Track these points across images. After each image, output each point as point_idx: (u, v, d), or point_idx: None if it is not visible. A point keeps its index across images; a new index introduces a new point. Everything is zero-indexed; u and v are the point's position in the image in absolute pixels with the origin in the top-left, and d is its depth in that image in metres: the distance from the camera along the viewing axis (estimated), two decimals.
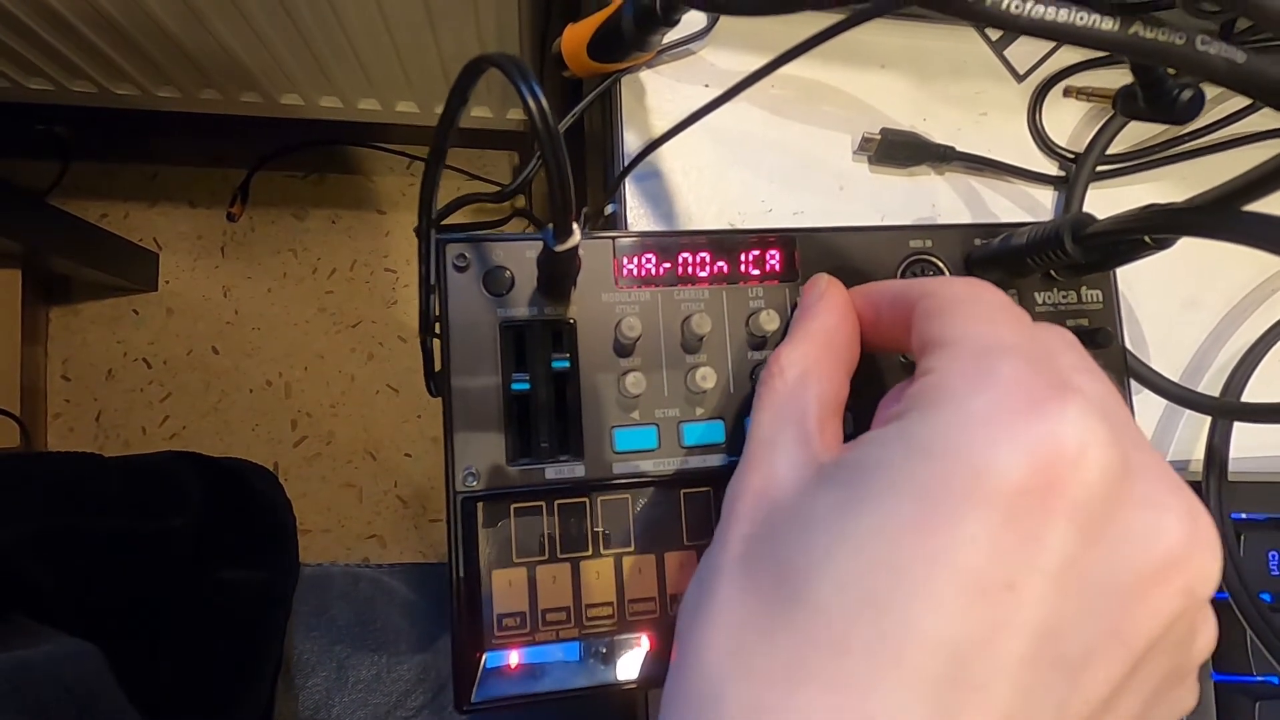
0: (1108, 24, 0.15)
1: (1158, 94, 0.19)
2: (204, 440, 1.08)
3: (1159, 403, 0.32)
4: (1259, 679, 0.28)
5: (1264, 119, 0.32)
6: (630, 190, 0.30)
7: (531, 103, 0.17)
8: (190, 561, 0.44)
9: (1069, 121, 0.33)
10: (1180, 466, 0.32)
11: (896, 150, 0.30)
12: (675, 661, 0.17)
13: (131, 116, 0.86)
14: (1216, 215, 0.19)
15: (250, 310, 1.10)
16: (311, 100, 0.80)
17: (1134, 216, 0.20)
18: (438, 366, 0.28)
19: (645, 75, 0.30)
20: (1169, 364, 0.32)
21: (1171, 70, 0.19)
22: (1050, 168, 0.33)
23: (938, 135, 0.32)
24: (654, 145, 0.26)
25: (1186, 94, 0.19)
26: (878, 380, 0.26)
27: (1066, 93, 0.30)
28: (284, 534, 0.51)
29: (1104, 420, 0.13)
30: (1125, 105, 0.20)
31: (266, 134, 1.03)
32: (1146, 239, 0.22)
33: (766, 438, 0.19)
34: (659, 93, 0.30)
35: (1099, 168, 0.32)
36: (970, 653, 0.12)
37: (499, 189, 0.31)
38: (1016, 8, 0.15)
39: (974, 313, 0.16)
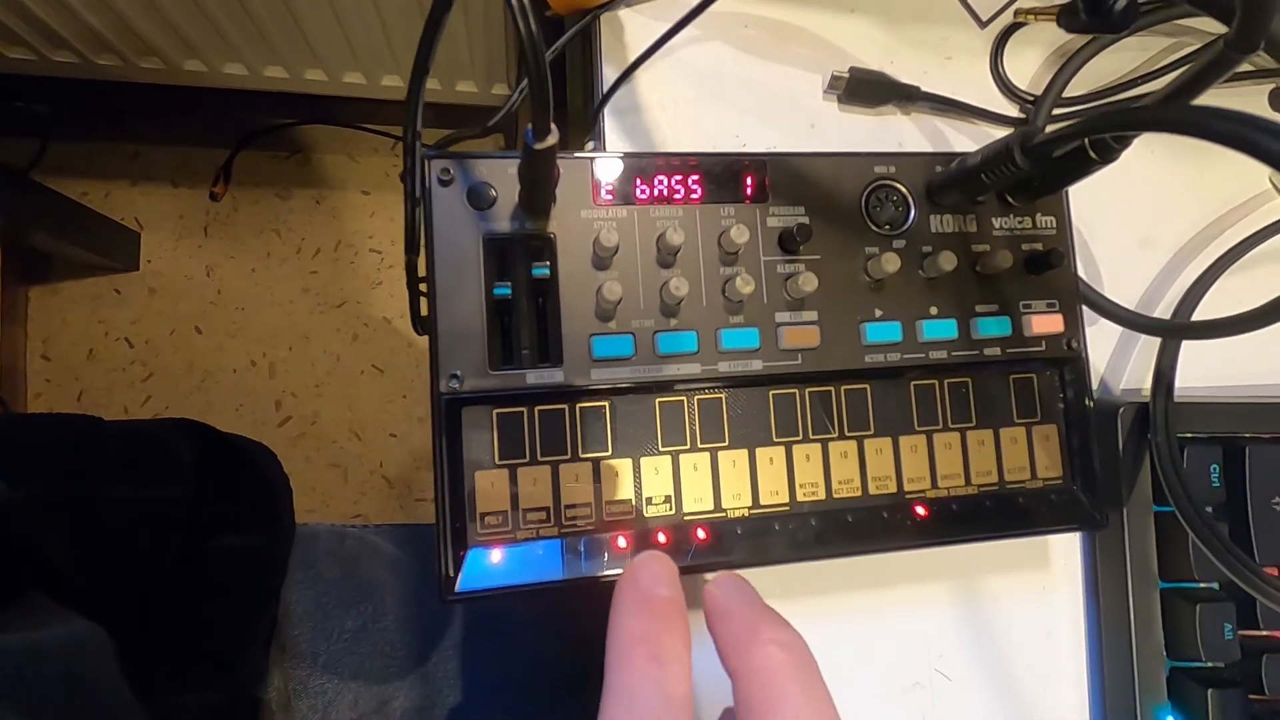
0: None
1: (1095, 4, 0.20)
2: None
3: (1113, 335, 0.34)
4: (1200, 585, 0.30)
5: None
6: (609, 125, 0.31)
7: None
8: (188, 530, 0.45)
9: (1029, 66, 0.35)
10: (1133, 393, 0.34)
11: (864, 89, 0.32)
12: None
13: (113, 94, 0.85)
14: (1168, 109, 0.20)
15: (234, 290, 1.10)
16: (296, 73, 0.80)
17: (1082, 120, 0.22)
18: (423, 307, 0.29)
19: (624, 13, 0.31)
20: (1123, 298, 0.34)
21: None
22: (1011, 110, 0.34)
23: (904, 78, 0.33)
24: (629, 70, 0.28)
25: (1121, 3, 0.20)
26: (848, 305, 0.27)
27: (1016, 13, 0.31)
28: (279, 501, 0.51)
29: None
30: (1067, 20, 0.21)
31: (250, 113, 1.03)
32: (1091, 152, 0.23)
33: None
34: (636, 31, 0.31)
35: (1056, 110, 0.33)
36: None
37: (484, 125, 0.32)
38: None
39: None
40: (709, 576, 0.22)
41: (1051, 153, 0.23)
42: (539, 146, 0.21)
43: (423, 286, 0.27)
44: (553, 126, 0.21)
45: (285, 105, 0.96)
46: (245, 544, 0.48)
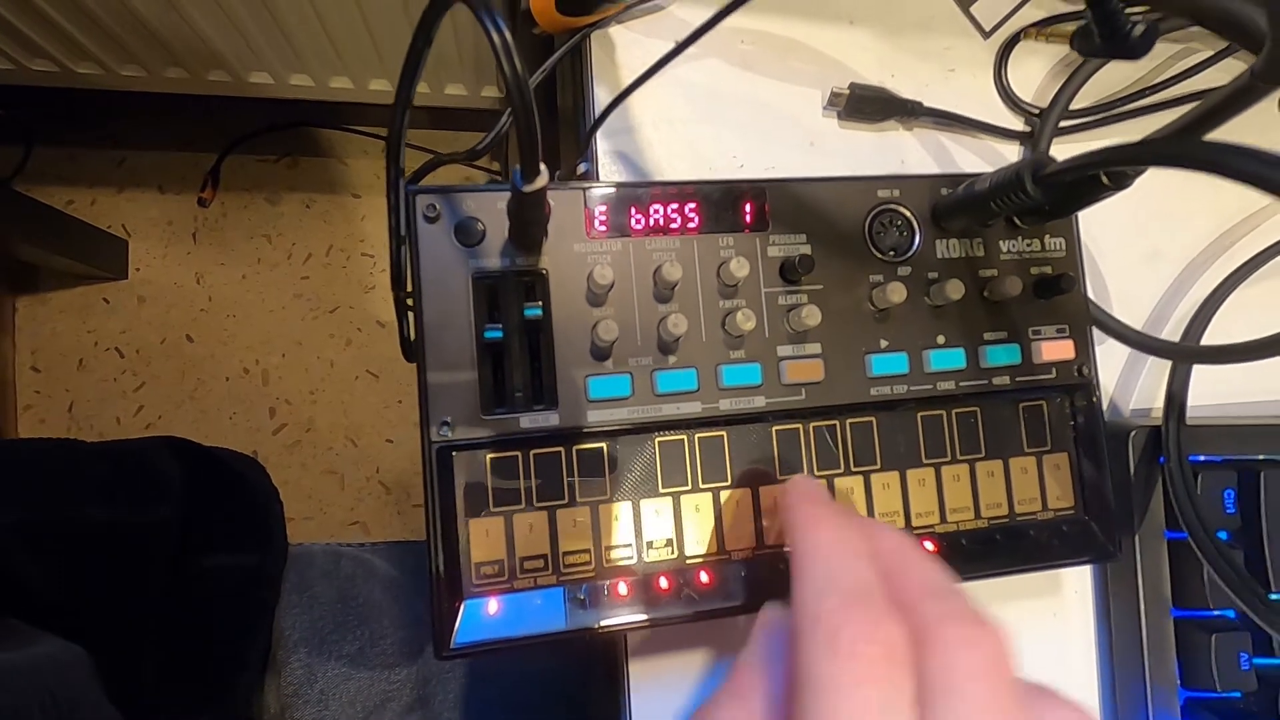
0: None
1: (1112, 29, 0.19)
2: (180, 429, 1.06)
3: (1122, 351, 0.33)
4: (1216, 613, 0.29)
5: (1219, 74, 0.33)
6: (602, 148, 0.30)
7: (495, 36, 0.17)
8: (177, 551, 0.44)
9: (1034, 77, 0.34)
10: (1142, 414, 0.33)
11: (865, 105, 0.31)
12: None
13: (97, 99, 0.84)
14: (1180, 144, 0.19)
15: (224, 297, 1.09)
16: (281, 79, 0.79)
17: (1094, 153, 0.21)
18: (412, 334, 0.28)
19: (615, 31, 0.30)
20: (1132, 315, 0.33)
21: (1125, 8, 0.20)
22: (1016, 123, 0.33)
23: (906, 91, 0.32)
24: (622, 96, 0.26)
25: (1139, 29, 0.19)
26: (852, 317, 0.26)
27: (1026, 34, 0.30)
28: (270, 518, 0.51)
29: None
30: (1082, 43, 0.20)
31: (237, 117, 1.02)
32: (1104, 179, 0.22)
33: None
34: (628, 48, 0.30)
35: (1063, 123, 0.32)
36: None
37: (470, 149, 0.31)
38: None
39: (835, 700, 0.15)
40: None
41: (1064, 182, 0.22)
42: (528, 189, 0.20)
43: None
44: (542, 167, 0.20)
45: (273, 108, 0.94)
46: (236, 564, 0.47)
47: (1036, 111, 0.33)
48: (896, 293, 0.26)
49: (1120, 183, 0.22)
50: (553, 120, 0.38)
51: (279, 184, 1.10)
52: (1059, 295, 0.27)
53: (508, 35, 0.17)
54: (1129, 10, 0.19)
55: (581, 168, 0.31)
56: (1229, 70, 0.33)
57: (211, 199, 1.08)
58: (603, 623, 0.24)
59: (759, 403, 0.25)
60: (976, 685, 0.15)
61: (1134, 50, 0.19)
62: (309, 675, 0.48)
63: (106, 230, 1.04)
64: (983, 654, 0.16)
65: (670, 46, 0.29)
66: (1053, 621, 0.31)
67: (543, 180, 0.20)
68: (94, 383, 1.05)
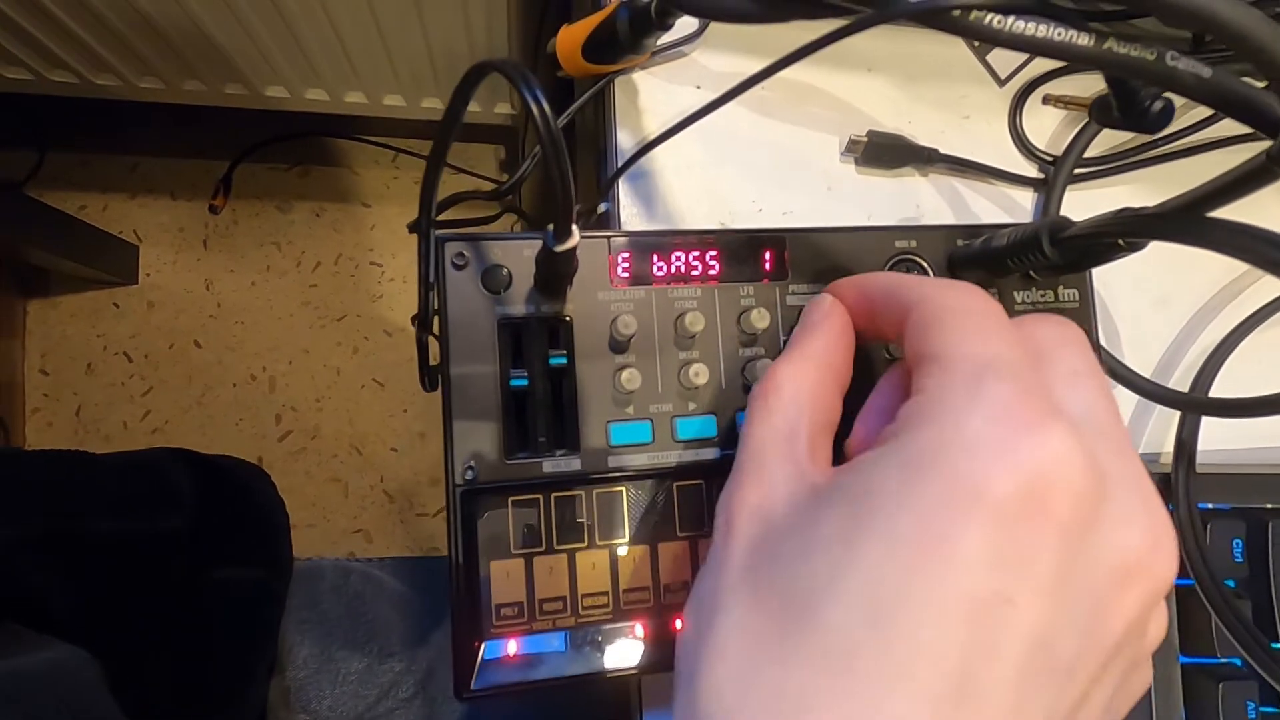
0: (1083, 39, 0.16)
1: (1130, 104, 0.20)
2: (186, 435, 1.07)
3: (1132, 397, 0.33)
4: (1223, 660, 0.30)
5: (1232, 125, 0.33)
6: (622, 189, 0.30)
7: (535, 109, 0.17)
8: (186, 562, 0.44)
9: (1048, 125, 0.34)
10: (1151, 459, 0.33)
11: (882, 152, 0.31)
12: (682, 685, 0.17)
13: (111, 107, 0.85)
14: (1183, 221, 0.20)
15: (233, 304, 1.09)
16: (297, 93, 0.80)
17: (1107, 220, 0.21)
18: (432, 361, 0.28)
19: (638, 76, 0.31)
20: (1142, 360, 0.33)
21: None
22: (1030, 170, 0.34)
23: (922, 137, 0.32)
24: (647, 148, 0.27)
25: (1158, 105, 0.19)
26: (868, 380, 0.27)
27: (1045, 100, 0.31)
28: (277, 532, 0.51)
29: (1081, 442, 0.14)
30: (1100, 114, 0.21)
31: (250, 125, 1.02)
32: (1120, 242, 0.23)
33: (758, 454, 0.19)
34: (651, 94, 0.31)
35: (1076, 170, 0.33)
36: (972, 666, 0.13)
37: (495, 186, 0.31)
38: (998, 23, 0.16)
39: (966, 325, 0.17)
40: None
41: (1080, 245, 0.23)
42: (560, 249, 0.20)
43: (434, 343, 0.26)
44: (574, 229, 0.20)
45: (285, 117, 0.95)
46: (243, 577, 0.48)
47: (1051, 159, 0.33)
48: None
49: (1135, 246, 0.23)
50: (571, 144, 0.39)
51: (290, 192, 1.11)
52: None
53: (548, 109, 0.17)
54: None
55: (602, 208, 0.31)
56: (1236, 124, 0.34)
57: (223, 206, 1.08)
58: (619, 665, 0.24)
59: None
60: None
61: (1152, 126, 0.20)
62: (317, 690, 0.49)
63: (118, 235, 1.04)
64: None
65: (691, 92, 0.30)
66: None
67: (574, 240, 0.20)
68: (102, 387, 1.06)
